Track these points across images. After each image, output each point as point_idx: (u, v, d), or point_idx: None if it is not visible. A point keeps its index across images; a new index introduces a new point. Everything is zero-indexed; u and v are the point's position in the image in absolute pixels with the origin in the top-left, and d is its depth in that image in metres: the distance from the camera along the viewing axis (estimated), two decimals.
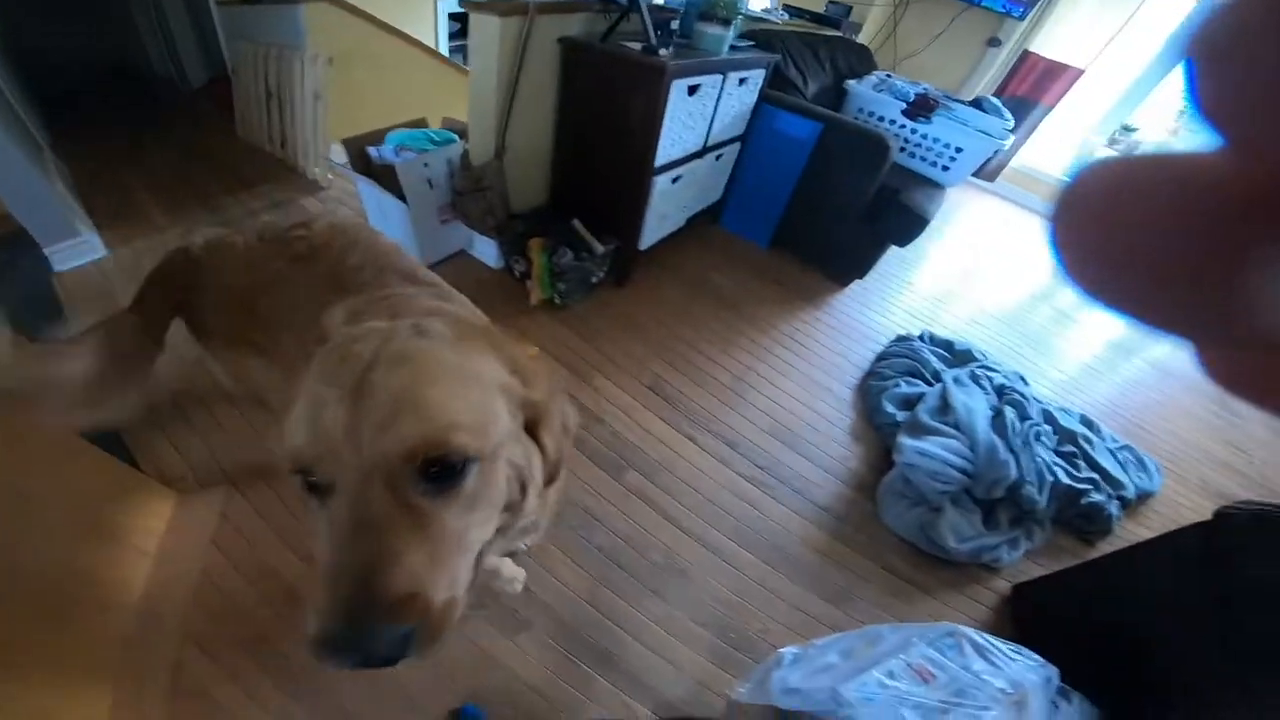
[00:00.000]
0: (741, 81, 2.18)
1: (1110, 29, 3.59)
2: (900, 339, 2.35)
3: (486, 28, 1.64)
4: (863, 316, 2.48)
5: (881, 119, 2.68)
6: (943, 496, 1.69)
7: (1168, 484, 2.08)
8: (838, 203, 2.41)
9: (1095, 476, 1.93)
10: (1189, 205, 0.10)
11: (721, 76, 2.02)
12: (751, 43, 2.36)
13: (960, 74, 4.08)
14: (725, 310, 2.30)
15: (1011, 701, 0.99)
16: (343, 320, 0.63)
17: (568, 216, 2.09)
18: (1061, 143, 4.15)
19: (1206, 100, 0.09)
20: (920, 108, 2.61)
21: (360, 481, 0.41)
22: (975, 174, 4.23)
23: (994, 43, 4.08)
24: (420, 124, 2.20)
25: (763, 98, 2.38)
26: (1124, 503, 1.93)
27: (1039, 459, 1.85)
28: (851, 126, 2.25)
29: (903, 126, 2.63)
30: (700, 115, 2.04)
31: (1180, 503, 2.02)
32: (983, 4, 3.76)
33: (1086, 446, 2.04)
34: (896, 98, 2.69)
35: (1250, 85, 0.09)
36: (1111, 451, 2.10)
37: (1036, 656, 1.07)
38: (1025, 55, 3.90)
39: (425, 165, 1.92)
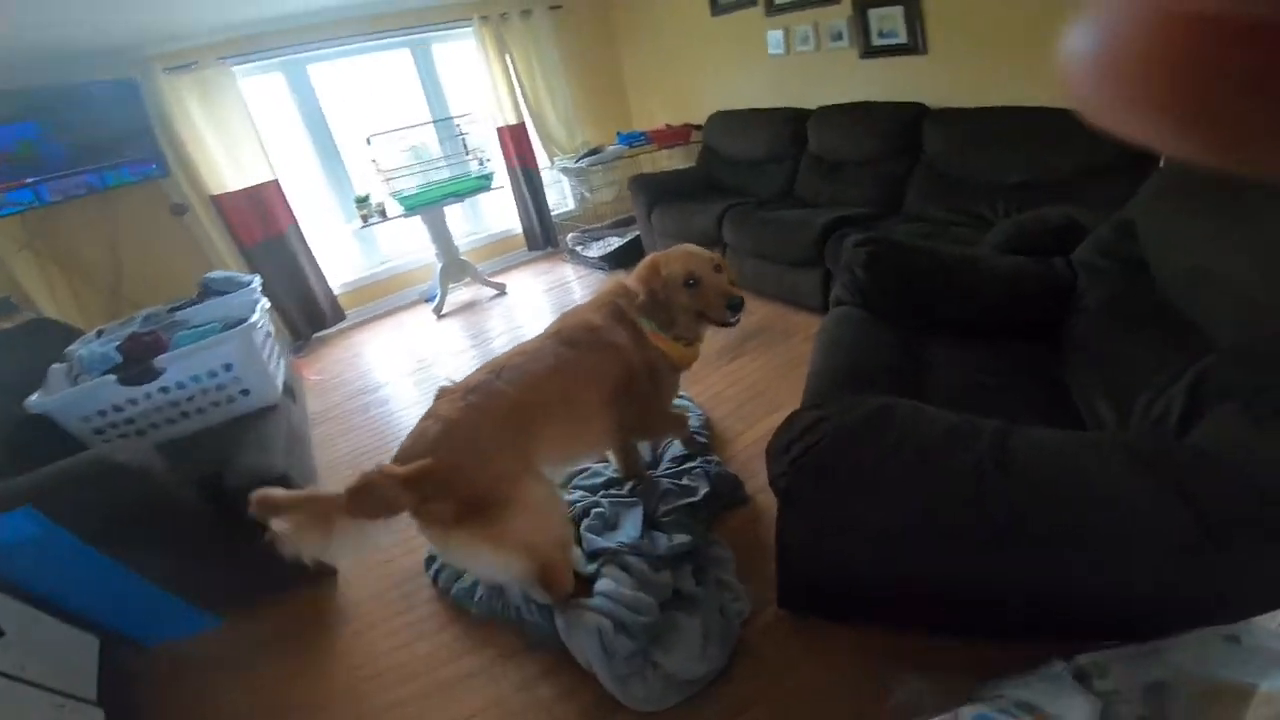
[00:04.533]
0: None
1: (250, 141, 3.59)
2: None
3: None
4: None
5: (118, 410, 1.95)
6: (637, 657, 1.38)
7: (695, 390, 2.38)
8: (174, 548, 1.66)
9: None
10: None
11: None
12: None
13: (191, 263, 3.54)
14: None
15: None
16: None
17: None
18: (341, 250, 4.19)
19: None
20: (136, 361, 1.99)
21: (710, 271, 1.55)
22: (319, 329, 3.95)
23: (179, 210, 3.66)
24: None
25: None
26: (703, 445, 2.02)
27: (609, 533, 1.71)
28: (51, 477, 1.51)
29: (147, 398, 1.97)
30: None
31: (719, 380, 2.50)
32: (109, 184, 3.22)
33: None
34: (101, 371, 1.99)
35: None
36: None
37: None
38: (218, 201, 3.63)
39: None
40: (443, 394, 1.38)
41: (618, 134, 4.32)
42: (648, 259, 1.62)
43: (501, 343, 3.41)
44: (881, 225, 2.79)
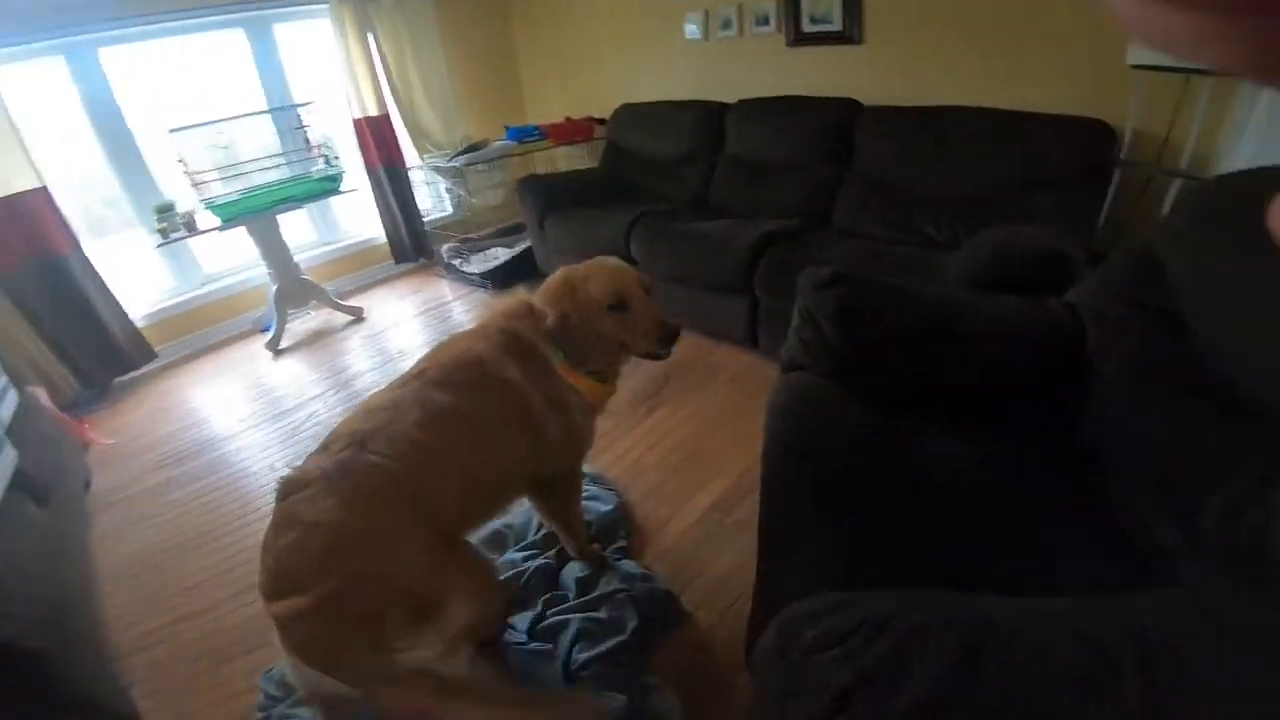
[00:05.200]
0: None
1: (7, 141, 2.67)
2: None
3: None
4: None
5: None
6: None
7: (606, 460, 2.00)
8: None
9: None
10: None
11: None
12: None
13: None
14: None
15: None
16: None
17: None
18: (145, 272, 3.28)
19: None
20: None
21: (640, 293, 1.27)
22: (121, 373, 3.00)
23: None
24: None
25: None
26: (620, 548, 1.62)
27: None
28: None
29: None
30: None
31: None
32: None
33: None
34: None
35: None
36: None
37: None
38: None
39: None
40: (290, 489, 1.02)
41: (506, 128, 3.72)
42: (560, 274, 1.32)
43: (367, 383, 2.74)
44: (816, 243, 2.41)
